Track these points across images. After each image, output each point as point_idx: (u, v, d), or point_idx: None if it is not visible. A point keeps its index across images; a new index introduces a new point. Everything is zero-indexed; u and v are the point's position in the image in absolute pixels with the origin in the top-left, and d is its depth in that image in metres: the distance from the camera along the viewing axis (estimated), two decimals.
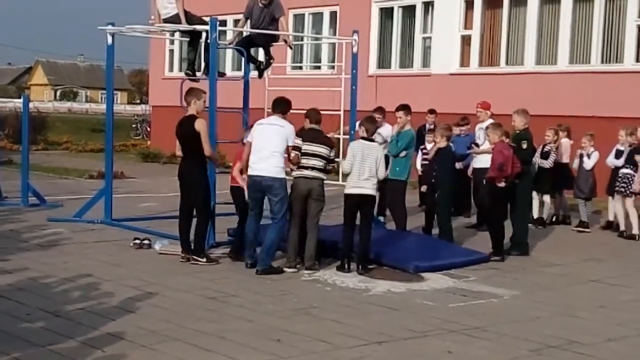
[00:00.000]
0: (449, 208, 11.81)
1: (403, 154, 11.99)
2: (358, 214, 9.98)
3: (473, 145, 13.45)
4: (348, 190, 9.91)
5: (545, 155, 13.74)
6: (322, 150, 9.74)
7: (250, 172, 9.69)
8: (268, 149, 9.59)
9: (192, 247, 10.16)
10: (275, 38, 12.79)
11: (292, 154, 9.85)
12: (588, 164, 13.76)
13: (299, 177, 9.85)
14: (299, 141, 9.82)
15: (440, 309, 8.32)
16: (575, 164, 14.02)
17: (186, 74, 12.73)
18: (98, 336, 6.90)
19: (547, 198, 14.25)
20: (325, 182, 9.97)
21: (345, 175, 10.26)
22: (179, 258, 10.25)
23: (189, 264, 10.04)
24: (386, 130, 12.61)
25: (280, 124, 9.72)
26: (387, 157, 11.52)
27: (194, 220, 10.30)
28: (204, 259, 10.06)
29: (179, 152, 10.49)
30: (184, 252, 10.23)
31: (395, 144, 12.05)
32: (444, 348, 6.97)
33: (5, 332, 6.91)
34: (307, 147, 9.80)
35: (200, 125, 10.05)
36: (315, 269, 9.78)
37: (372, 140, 10.09)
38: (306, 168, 9.77)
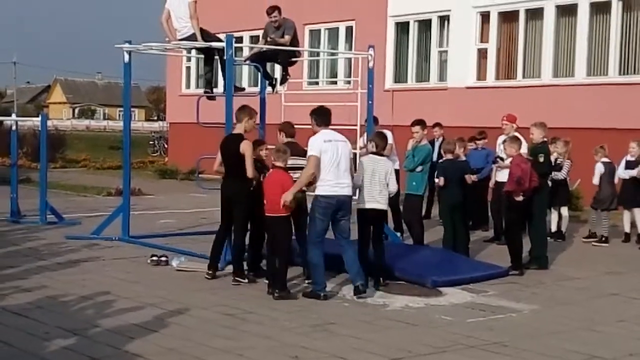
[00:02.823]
0: (450, 221, 11.69)
1: (419, 168, 11.95)
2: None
3: (498, 159, 13.39)
4: (362, 206, 9.88)
5: (557, 168, 13.67)
6: (302, 162, 9.61)
7: (329, 192, 9.16)
8: (344, 166, 9.28)
9: (233, 269, 9.99)
10: (291, 55, 12.99)
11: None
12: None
13: None
14: None
15: (459, 324, 8.26)
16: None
17: (205, 92, 12.86)
18: (116, 354, 6.89)
19: (564, 210, 14.15)
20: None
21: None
22: (196, 274, 10.24)
23: (206, 280, 10.00)
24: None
25: (345, 140, 9.48)
26: (396, 172, 11.47)
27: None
28: (246, 280, 9.93)
29: (218, 168, 10.32)
30: (211, 270, 10.10)
31: (411, 158, 12.02)
32: None
33: (24, 351, 6.91)
34: (290, 162, 9.74)
35: (245, 147, 9.86)
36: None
37: (382, 155, 10.08)
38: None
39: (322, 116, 9.53)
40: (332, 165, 9.19)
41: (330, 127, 9.53)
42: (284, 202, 9.16)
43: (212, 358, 6.85)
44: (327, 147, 9.22)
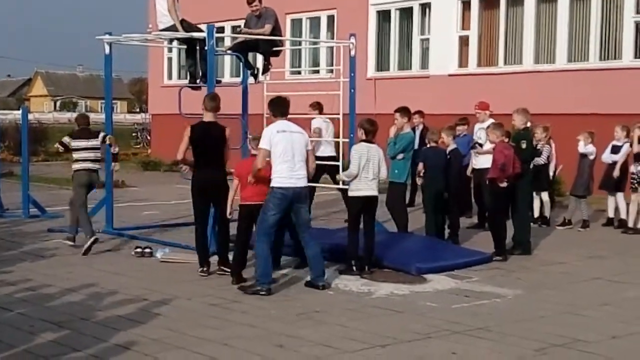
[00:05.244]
0: (434, 209, 11.77)
1: (401, 156, 11.95)
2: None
3: (477, 145, 13.45)
4: (356, 193, 9.90)
5: (537, 153, 13.72)
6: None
7: (285, 184, 8.98)
8: (299, 157, 9.10)
9: (219, 258, 9.98)
10: (273, 44, 12.94)
11: None
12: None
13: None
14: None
15: (444, 310, 8.30)
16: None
17: (189, 83, 12.82)
18: (101, 347, 6.88)
19: (544, 195, 14.20)
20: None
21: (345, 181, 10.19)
22: (181, 265, 10.23)
23: (190, 271, 9.99)
24: (316, 123, 13.65)
25: (301, 131, 9.30)
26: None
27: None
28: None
29: (186, 156, 10.10)
30: (205, 266, 9.95)
31: (392, 146, 12.03)
32: (448, 349, 6.95)
33: (8, 344, 6.89)
34: None
35: (229, 133, 9.93)
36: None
37: (373, 142, 10.11)
38: None
39: (278, 106, 9.34)
40: (286, 156, 9.00)
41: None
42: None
43: (198, 348, 6.86)
44: (279, 138, 9.03)
